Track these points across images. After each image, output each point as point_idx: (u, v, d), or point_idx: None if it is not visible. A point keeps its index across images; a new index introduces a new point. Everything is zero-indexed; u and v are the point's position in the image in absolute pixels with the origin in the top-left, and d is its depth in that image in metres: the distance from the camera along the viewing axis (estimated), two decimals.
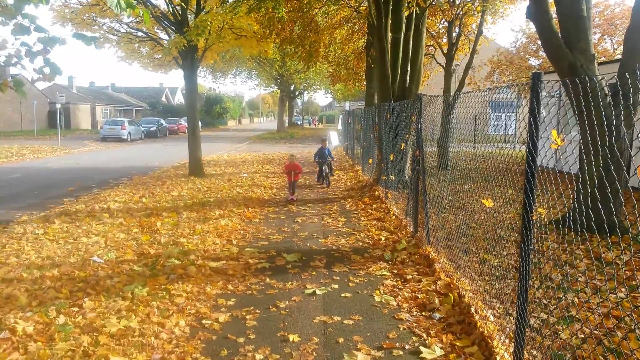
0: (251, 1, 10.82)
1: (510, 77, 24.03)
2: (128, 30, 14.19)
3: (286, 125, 53.46)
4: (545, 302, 5.09)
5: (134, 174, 15.85)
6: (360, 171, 15.70)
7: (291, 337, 4.39)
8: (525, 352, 3.52)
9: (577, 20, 6.93)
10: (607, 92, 7.13)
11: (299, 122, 68.12)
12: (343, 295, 5.44)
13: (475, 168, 7.25)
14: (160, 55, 15.30)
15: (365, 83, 19.16)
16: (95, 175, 16.08)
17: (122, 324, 4.49)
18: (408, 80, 11.52)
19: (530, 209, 3.41)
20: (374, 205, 10.26)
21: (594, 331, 4.34)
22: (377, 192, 11.19)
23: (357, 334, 4.47)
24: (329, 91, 58.57)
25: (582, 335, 4.28)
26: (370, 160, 13.55)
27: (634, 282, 5.55)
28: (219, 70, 43.25)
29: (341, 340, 4.36)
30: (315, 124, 75.08)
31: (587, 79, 5.34)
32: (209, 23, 11.69)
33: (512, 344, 3.91)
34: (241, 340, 4.36)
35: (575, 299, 5.09)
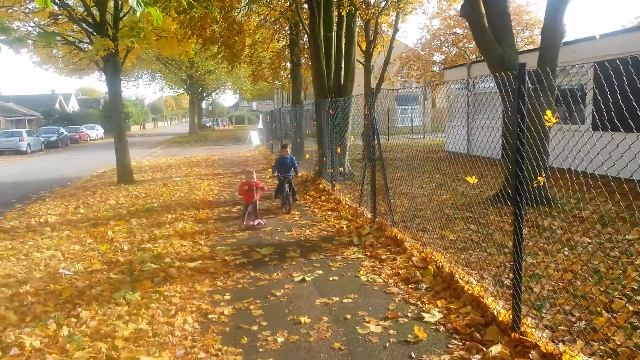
0: (183, 2, 10.70)
1: (418, 72, 25.68)
2: (41, 34, 13.30)
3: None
4: (510, 265, 5.79)
5: (53, 186, 14.94)
6: None
7: (302, 319, 4.67)
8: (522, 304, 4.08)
9: (503, 17, 7.84)
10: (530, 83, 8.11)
11: (207, 124, 66.80)
12: (331, 278, 5.79)
13: (399, 158, 7.94)
14: (76, 60, 14.52)
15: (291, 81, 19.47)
16: (9, 190, 14.90)
17: (131, 328, 4.49)
18: (343, 77, 12.07)
19: (520, 186, 3.96)
20: (323, 198, 10.68)
21: (558, 282, 5.09)
22: (321, 185, 11.62)
23: (360, 310, 4.84)
24: (238, 91, 58.15)
25: (550, 287, 5.00)
26: (307, 156, 13.94)
27: (572, 243, 6.49)
28: (121, 72, 41.35)
29: (348, 316, 4.71)
30: (224, 125, 74.03)
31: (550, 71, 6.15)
32: (140, 24, 11.37)
33: (504, 300, 4.51)
34: (255, 328, 4.56)
35: (534, 260, 5.85)
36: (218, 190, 13.02)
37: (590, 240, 6.58)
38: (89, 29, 12.93)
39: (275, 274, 6.05)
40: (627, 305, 4.47)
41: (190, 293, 5.47)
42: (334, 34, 11.91)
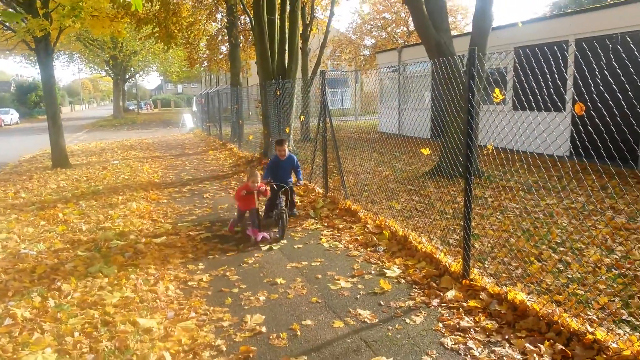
0: None
1: (350, 55, 26.42)
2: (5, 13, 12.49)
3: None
4: (453, 228, 6.55)
5: None
6: (236, 148, 16.22)
7: (278, 281, 5.13)
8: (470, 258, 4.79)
9: (440, 4, 8.56)
10: (462, 67, 8.94)
11: (131, 108, 64.23)
12: (296, 247, 6.27)
13: (338, 139, 8.54)
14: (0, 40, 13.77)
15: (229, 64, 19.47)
16: None
17: (117, 296, 4.74)
18: (287, 60, 12.41)
19: (470, 163, 4.61)
20: None
21: (495, 240, 5.90)
22: None
23: (328, 270, 5.38)
24: (163, 73, 56.33)
25: (489, 244, 5.80)
26: (251, 137, 14.21)
27: (501, 208, 7.39)
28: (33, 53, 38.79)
29: (319, 276, 5.23)
30: (148, 108, 71.45)
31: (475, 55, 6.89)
32: (81, 4, 11.03)
33: (452, 256, 5.22)
34: (235, 290, 4.96)
35: (473, 223, 6.64)
36: (162, 172, 13.01)
37: (517, 205, 7.53)
38: (17, 7, 12.31)
39: (243, 245, 6.44)
40: (552, 255, 5.33)
41: (164, 265, 5.74)
42: (277, 17, 12.20)
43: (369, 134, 19.52)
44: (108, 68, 43.77)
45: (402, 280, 5.01)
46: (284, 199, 6.82)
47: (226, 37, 19.08)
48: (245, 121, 17.38)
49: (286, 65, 12.42)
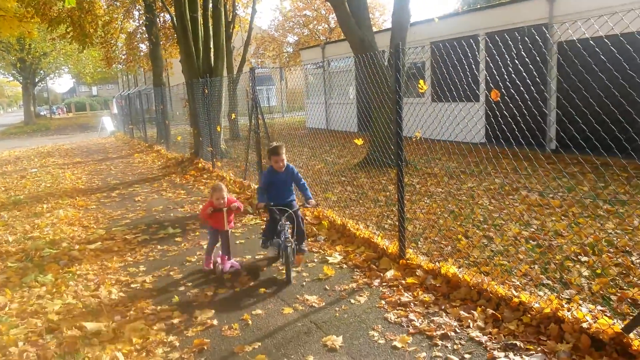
0: None
1: (273, 52, 26.50)
2: None
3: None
4: (387, 213, 6.92)
5: None
6: (164, 150, 15.84)
7: (224, 276, 5.20)
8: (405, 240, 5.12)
9: (361, 2, 8.91)
10: (385, 62, 9.39)
11: (42, 113, 60.27)
12: (238, 242, 6.35)
13: (265, 135, 8.71)
14: None
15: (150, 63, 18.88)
16: None
17: (59, 303, 4.62)
18: (213, 58, 12.30)
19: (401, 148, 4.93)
20: (205, 176, 10.99)
21: (425, 222, 6.32)
22: (200, 164, 11.87)
23: (273, 263, 5.52)
24: (75, 75, 53.37)
25: (421, 227, 6.20)
26: (179, 138, 13.96)
27: (428, 193, 7.88)
28: None
29: (265, 269, 5.37)
30: (61, 113, 67.34)
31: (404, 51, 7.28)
32: None
33: (388, 239, 5.54)
34: (181, 288, 4.98)
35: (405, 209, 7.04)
36: (86, 178, 12.50)
37: (442, 190, 8.05)
38: None
39: (183, 244, 6.42)
40: (477, 231, 5.82)
41: (102, 270, 5.62)
42: (199, 14, 12.06)
43: (297, 130, 19.77)
44: (15, 72, 40.78)
45: (344, 265, 5.26)
46: (289, 226, 5.11)
47: (145, 36, 18.51)
48: (172, 122, 17.01)
49: (212, 63, 12.33)
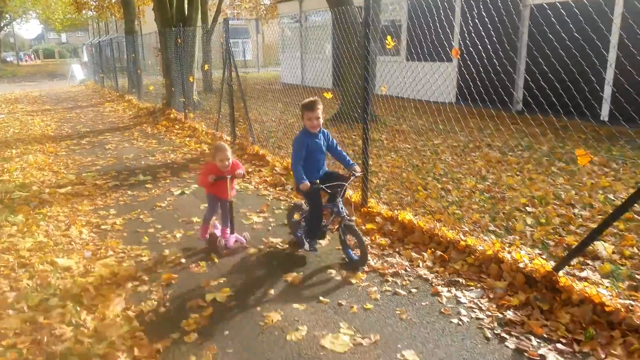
0: None
1: (251, 4, 25.89)
2: None
3: None
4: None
5: None
6: (136, 100, 15.63)
7: (194, 219, 5.40)
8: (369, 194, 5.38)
9: None
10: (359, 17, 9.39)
11: (9, 59, 57.88)
12: None
13: (242, 89, 8.76)
14: None
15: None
16: None
17: (30, 241, 4.76)
18: (187, 7, 12.05)
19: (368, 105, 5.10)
20: (177, 126, 11.00)
21: (389, 175, 6.60)
22: (172, 115, 11.84)
23: (241, 208, 5.73)
24: (44, 22, 51.11)
25: (384, 179, 6.48)
26: (151, 88, 13.79)
27: (395, 149, 8.14)
28: None
29: (234, 214, 5.57)
30: (28, 60, 64.75)
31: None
32: None
33: (353, 190, 5.80)
34: (151, 230, 5.17)
35: (371, 162, 7.30)
36: (56, 125, 12.35)
37: (408, 146, 8.32)
38: None
39: (153, 190, 6.57)
40: (436, 184, 6.12)
41: (73, 212, 5.75)
42: None
43: (272, 85, 19.65)
44: None
45: None
46: (337, 207, 4.13)
47: None
48: (144, 71, 16.71)
49: (186, 12, 12.09)
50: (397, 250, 4.39)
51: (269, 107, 13.89)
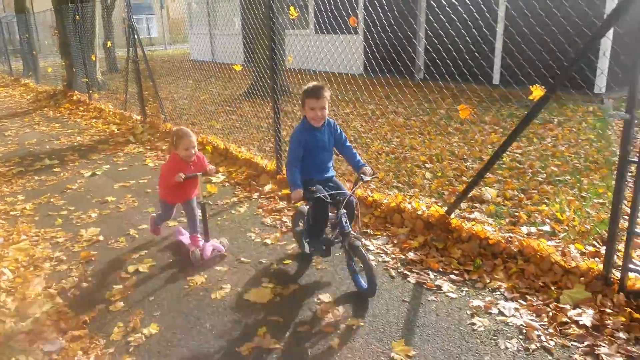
0: None
1: None
2: None
3: None
4: (269, 139, 7.34)
5: None
6: (33, 83, 14.62)
7: (108, 199, 5.37)
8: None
9: None
10: None
11: None
12: (121, 169, 6.45)
13: (151, 68, 8.63)
14: None
15: None
16: None
17: None
18: None
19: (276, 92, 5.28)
20: (81, 108, 10.53)
21: None
22: (75, 97, 11.28)
23: (157, 185, 5.74)
24: None
25: None
26: (50, 69, 12.98)
27: None
28: None
29: (149, 190, 5.60)
30: None
31: None
32: None
33: (267, 160, 6.01)
34: (64, 212, 5.08)
35: (285, 133, 7.52)
36: None
37: None
38: None
39: (62, 174, 6.38)
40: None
41: None
42: None
43: (181, 63, 19.13)
44: None
45: (227, 184, 5.67)
46: (344, 214, 3.30)
47: None
48: (40, 52, 15.61)
49: None
50: None
51: (180, 85, 13.64)
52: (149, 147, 7.39)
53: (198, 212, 3.95)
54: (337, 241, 3.40)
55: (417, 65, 12.00)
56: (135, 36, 8.00)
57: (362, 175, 3.28)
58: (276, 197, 5.05)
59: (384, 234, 4.10)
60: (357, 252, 3.17)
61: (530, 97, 3.20)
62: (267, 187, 5.31)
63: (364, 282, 3.25)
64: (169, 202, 3.98)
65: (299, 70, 9.83)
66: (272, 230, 4.36)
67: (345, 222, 3.25)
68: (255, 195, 5.22)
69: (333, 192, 3.26)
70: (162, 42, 30.16)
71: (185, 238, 4.13)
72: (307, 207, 3.57)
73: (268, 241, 4.14)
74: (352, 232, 3.25)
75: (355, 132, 7.36)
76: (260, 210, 4.81)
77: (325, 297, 3.29)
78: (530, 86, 3.18)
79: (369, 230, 4.16)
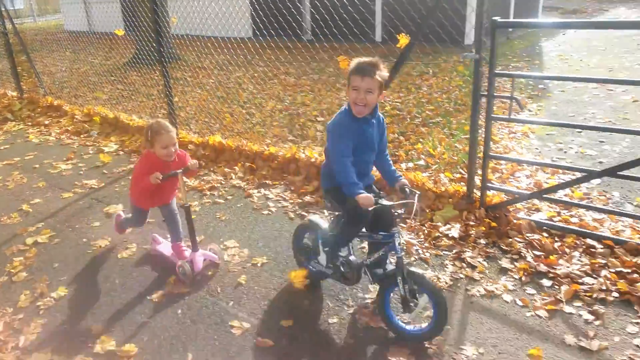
0: None
1: None
2: None
3: None
4: (160, 107, 7.25)
5: None
6: None
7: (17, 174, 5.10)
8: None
9: None
10: None
11: None
12: (2, 148, 6.06)
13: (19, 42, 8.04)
14: None
15: None
16: None
17: None
18: None
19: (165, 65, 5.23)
20: None
21: (197, 108, 6.89)
22: None
23: (45, 160, 5.51)
24: None
25: (192, 112, 6.76)
26: None
27: (200, 84, 8.38)
28: None
29: (36, 166, 5.36)
30: None
31: None
32: None
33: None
34: None
35: (177, 99, 7.47)
36: None
37: (213, 80, 8.63)
38: None
39: None
40: (241, 110, 6.64)
41: None
42: None
43: (55, 35, 17.64)
44: None
45: (121, 152, 5.60)
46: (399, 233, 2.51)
47: None
48: None
49: None
50: (211, 169, 4.84)
51: (57, 57, 12.70)
52: (30, 124, 6.96)
53: (179, 216, 3.29)
54: (378, 271, 2.61)
55: (304, 27, 12.23)
56: (2, 7, 7.36)
57: (403, 186, 2.53)
58: None
59: (282, 183, 4.39)
60: (418, 278, 2.40)
61: (398, 45, 3.59)
62: None
63: (403, 324, 2.53)
64: (144, 207, 3.30)
65: (189, 37, 9.65)
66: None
67: (399, 244, 2.45)
68: None
69: (400, 201, 2.46)
70: (30, 15, 27.41)
71: (164, 247, 3.44)
72: (328, 225, 2.83)
73: None
74: (405, 266, 2.42)
75: (248, 94, 7.50)
76: None
77: (231, 242, 3.53)
78: (398, 35, 3.57)
79: (267, 182, 4.43)
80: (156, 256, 3.45)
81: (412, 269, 2.45)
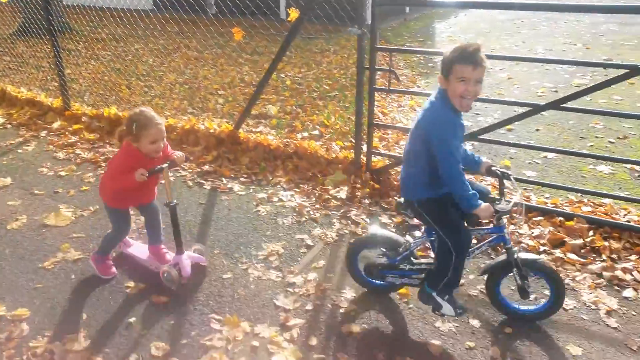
0: None
1: None
2: None
3: None
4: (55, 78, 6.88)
5: None
6: None
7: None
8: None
9: None
10: None
11: None
12: None
13: None
14: None
15: None
16: None
17: None
18: None
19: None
20: None
21: (91, 81, 6.64)
22: None
23: None
24: None
25: (86, 84, 6.51)
26: None
27: (95, 57, 8.03)
28: None
29: None
30: None
31: None
32: None
33: (53, 97, 5.74)
34: None
35: (70, 71, 7.12)
36: None
37: (109, 53, 8.30)
38: None
39: None
40: (140, 83, 6.51)
41: None
42: None
43: None
44: None
45: (9, 126, 5.31)
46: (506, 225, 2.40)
47: None
48: None
49: None
50: (107, 142, 4.77)
51: None
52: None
53: (156, 221, 2.89)
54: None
55: (208, 2, 12.01)
56: None
57: (498, 172, 2.30)
58: (67, 133, 4.97)
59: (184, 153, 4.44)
60: (540, 266, 2.36)
61: (289, 19, 3.78)
62: (56, 125, 5.16)
63: (517, 305, 2.49)
64: (122, 207, 2.80)
65: (85, 8, 9.12)
66: (66, 164, 4.36)
67: (508, 234, 2.35)
68: (44, 133, 5.04)
69: (512, 204, 2.25)
70: None
71: (136, 250, 3.04)
72: (405, 242, 2.50)
73: (63, 173, 4.17)
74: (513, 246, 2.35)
75: (147, 67, 7.33)
76: (51, 146, 4.71)
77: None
78: (288, 9, 3.75)
79: None
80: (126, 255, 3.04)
81: (523, 255, 2.35)
